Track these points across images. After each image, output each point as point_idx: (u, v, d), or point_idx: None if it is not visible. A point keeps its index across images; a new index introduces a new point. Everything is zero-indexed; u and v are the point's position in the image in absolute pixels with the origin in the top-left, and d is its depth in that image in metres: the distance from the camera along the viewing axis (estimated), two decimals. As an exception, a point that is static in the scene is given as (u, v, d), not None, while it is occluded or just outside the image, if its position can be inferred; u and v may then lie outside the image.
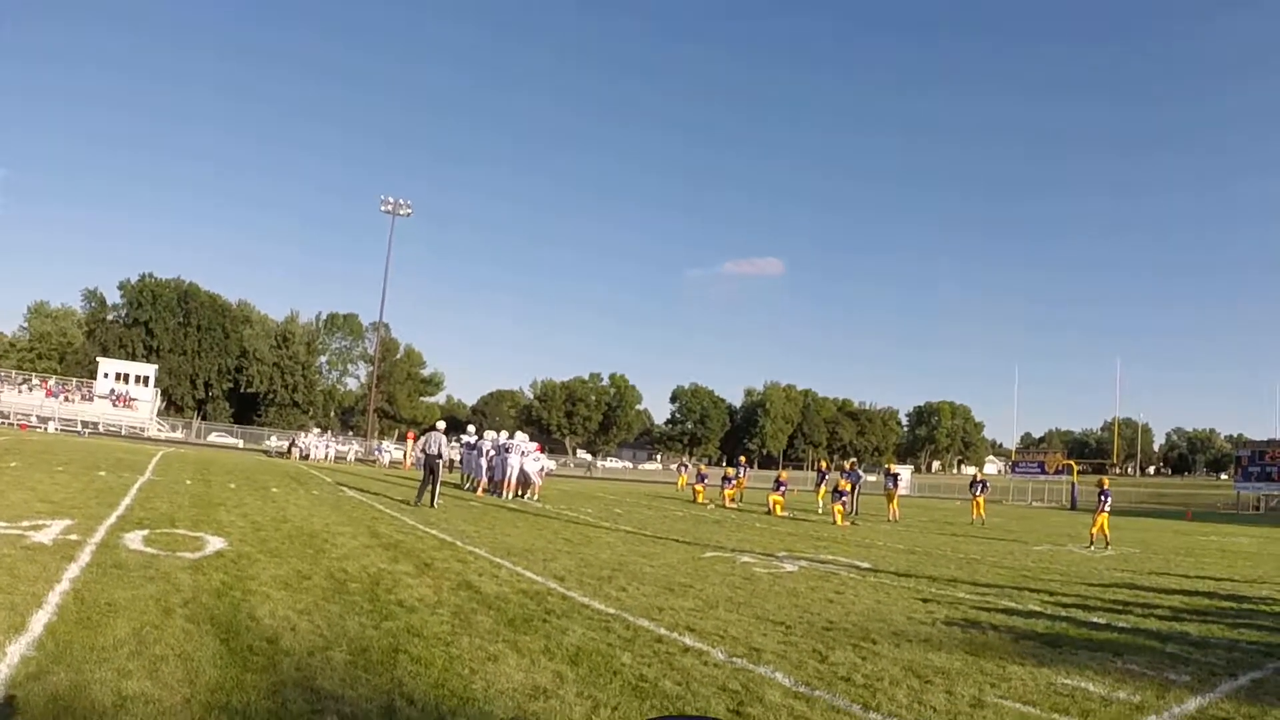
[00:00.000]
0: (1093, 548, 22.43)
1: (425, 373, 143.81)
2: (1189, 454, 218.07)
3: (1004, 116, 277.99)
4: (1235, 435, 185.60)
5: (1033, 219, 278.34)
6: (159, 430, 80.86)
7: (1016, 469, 69.14)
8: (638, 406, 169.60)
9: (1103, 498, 23.53)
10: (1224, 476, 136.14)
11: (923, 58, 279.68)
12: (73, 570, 9.10)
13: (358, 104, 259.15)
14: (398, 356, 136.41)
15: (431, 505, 22.24)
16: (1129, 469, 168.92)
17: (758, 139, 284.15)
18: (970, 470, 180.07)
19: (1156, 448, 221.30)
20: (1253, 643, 9.84)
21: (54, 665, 5.83)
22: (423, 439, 25.12)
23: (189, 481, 23.27)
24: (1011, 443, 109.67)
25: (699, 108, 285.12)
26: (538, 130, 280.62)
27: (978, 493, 34.85)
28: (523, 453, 30.31)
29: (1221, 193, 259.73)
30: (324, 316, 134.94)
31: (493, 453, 30.73)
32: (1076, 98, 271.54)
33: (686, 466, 60.22)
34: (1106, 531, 23.07)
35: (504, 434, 32.54)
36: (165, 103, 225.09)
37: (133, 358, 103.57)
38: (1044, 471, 65.38)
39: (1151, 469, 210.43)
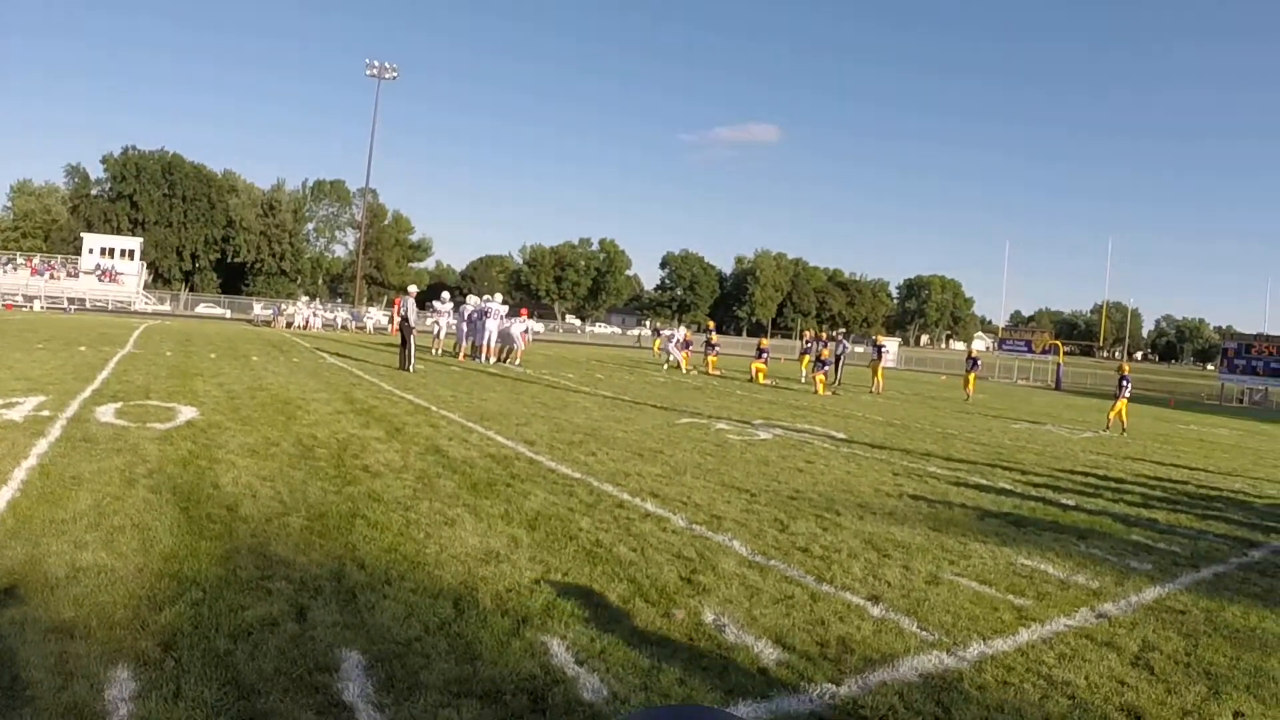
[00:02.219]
0: (1109, 432, 22.52)
1: (414, 238, 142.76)
2: (1177, 342, 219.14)
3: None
4: (1224, 327, 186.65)
5: (1033, 100, 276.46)
6: (146, 303, 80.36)
7: (1004, 346, 68.73)
8: (627, 272, 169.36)
9: (1124, 384, 23.46)
10: (1210, 367, 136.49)
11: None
12: (41, 446, 9.05)
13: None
14: (386, 222, 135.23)
15: (408, 369, 22.41)
16: (1116, 353, 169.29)
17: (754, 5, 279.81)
18: (960, 346, 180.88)
19: (1145, 334, 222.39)
20: (1219, 535, 9.73)
21: (11, 540, 5.81)
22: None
23: (169, 353, 23.19)
24: (1001, 320, 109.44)
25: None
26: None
27: (969, 369, 34.80)
28: (501, 316, 30.23)
29: (1223, 88, 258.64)
30: (310, 184, 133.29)
31: (476, 316, 30.72)
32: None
33: (660, 332, 60.14)
34: (1124, 418, 23.06)
35: (486, 297, 32.47)
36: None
37: (118, 232, 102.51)
38: (1030, 350, 65.06)
39: (1139, 355, 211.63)
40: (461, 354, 30.80)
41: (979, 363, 35.50)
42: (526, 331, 32.22)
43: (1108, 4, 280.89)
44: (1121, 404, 23.06)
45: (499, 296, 31.67)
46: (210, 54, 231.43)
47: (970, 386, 34.34)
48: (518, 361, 30.20)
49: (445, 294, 33.87)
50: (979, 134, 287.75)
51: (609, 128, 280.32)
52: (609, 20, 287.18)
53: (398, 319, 30.77)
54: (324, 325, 60.35)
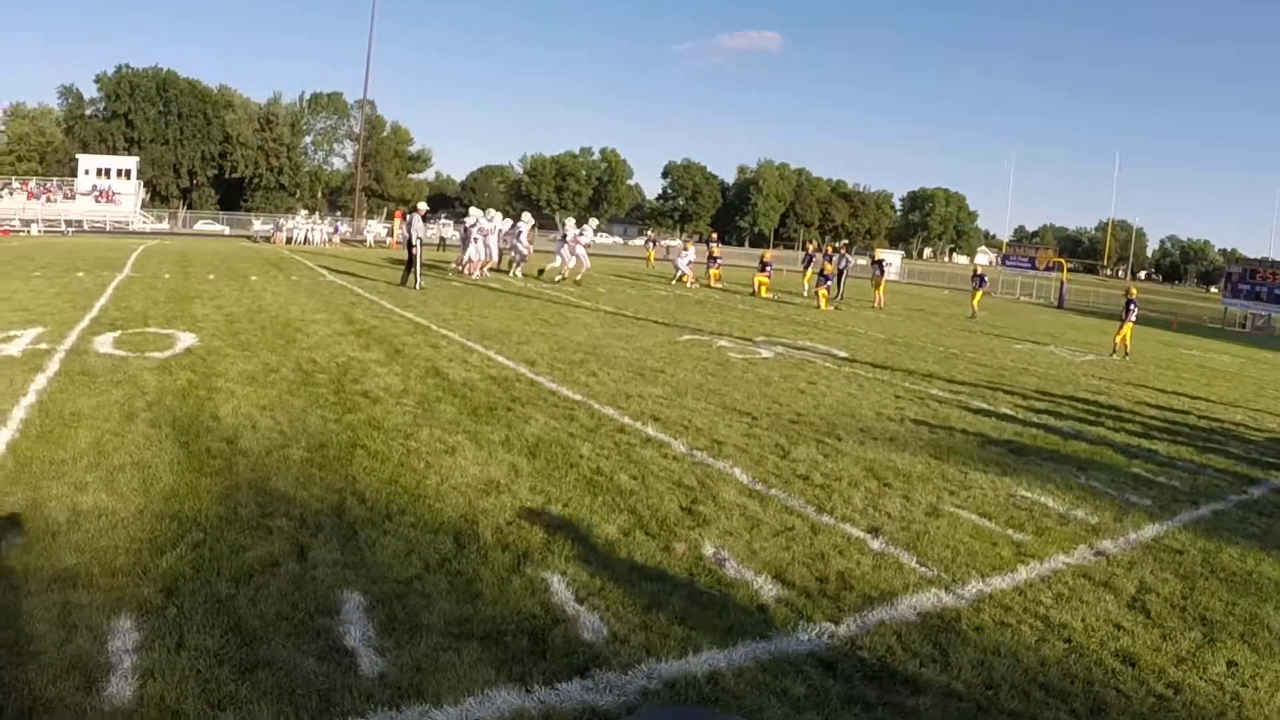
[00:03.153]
0: (1115, 355, 22.36)
1: (413, 150, 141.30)
2: (1181, 263, 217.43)
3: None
4: (1229, 250, 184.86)
5: (1041, 8, 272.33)
6: (144, 223, 79.70)
7: (1007, 262, 68.20)
8: (629, 182, 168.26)
9: (1131, 307, 23.19)
10: (1214, 290, 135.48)
11: None
12: (40, 381, 8.95)
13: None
14: (384, 134, 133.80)
15: (412, 286, 22.41)
16: (1120, 272, 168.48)
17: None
18: (963, 260, 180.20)
19: (1150, 253, 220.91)
20: (1220, 470, 9.62)
21: (12, 485, 5.77)
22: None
23: (167, 276, 22.96)
24: (1005, 235, 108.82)
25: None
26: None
27: (976, 286, 34.51)
28: (484, 230, 29.94)
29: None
30: (308, 96, 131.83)
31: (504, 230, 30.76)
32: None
33: (654, 242, 59.61)
34: (1129, 342, 22.85)
35: (501, 216, 32.34)
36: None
37: (114, 152, 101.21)
38: (1034, 267, 64.52)
39: (1143, 274, 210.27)
40: (467, 269, 30.57)
41: (986, 280, 35.10)
42: (582, 242, 31.44)
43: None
44: (1128, 328, 22.90)
45: (474, 210, 31.27)
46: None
47: (976, 303, 34.11)
48: (579, 277, 29.97)
49: (474, 210, 33.05)
50: (985, 45, 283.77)
51: (609, 35, 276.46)
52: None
53: (400, 234, 30.43)
54: (325, 239, 59.81)
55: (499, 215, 31.90)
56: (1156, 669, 4.62)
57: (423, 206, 26.36)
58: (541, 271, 30.95)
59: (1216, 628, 5.22)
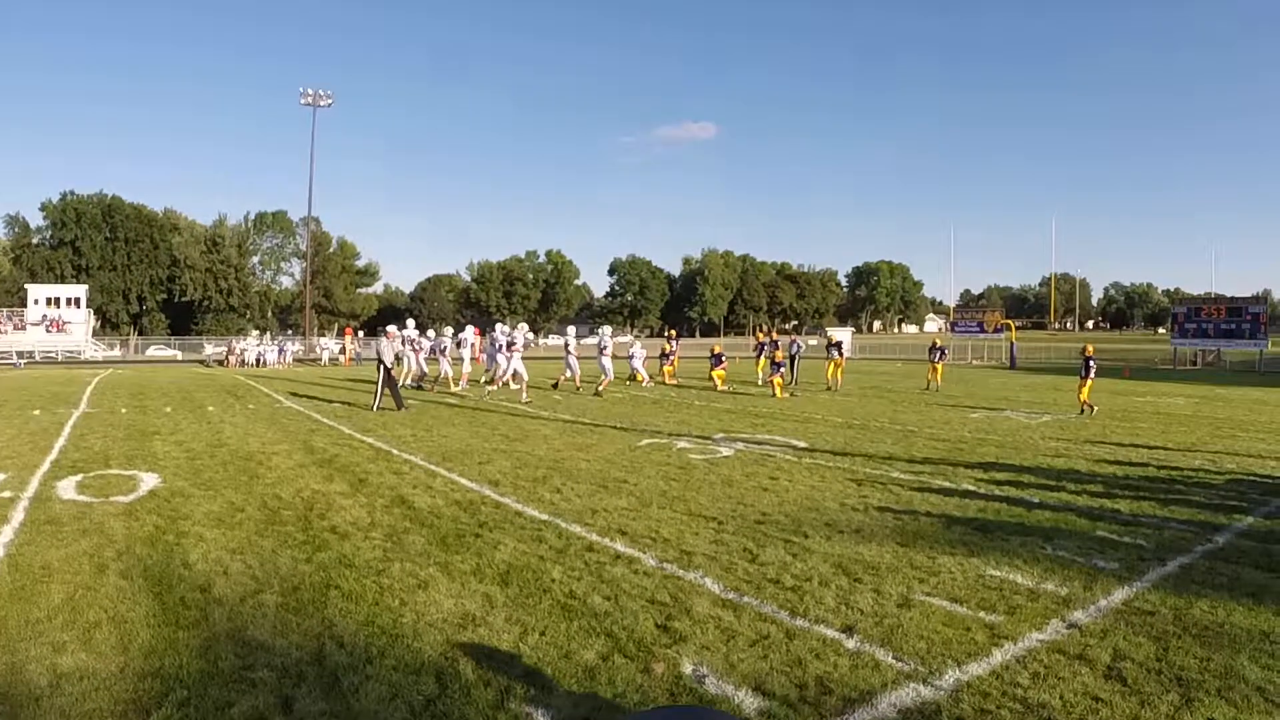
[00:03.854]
0: (1083, 415, 22.69)
1: (360, 264, 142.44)
2: (1127, 308, 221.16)
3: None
4: (1172, 290, 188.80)
5: (966, 75, 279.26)
6: (95, 351, 79.39)
7: (956, 328, 69.11)
8: (576, 281, 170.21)
9: (1089, 365, 23.65)
10: (1161, 330, 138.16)
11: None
12: (6, 534, 8.93)
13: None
14: (331, 250, 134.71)
15: (373, 409, 22.38)
16: (1068, 324, 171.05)
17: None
18: (912, 329, 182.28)
19: (1095, 302, 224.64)
20: (1183, 521, 9.87)
21: (-10, 649, 5.78)
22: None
23: (124, 410, 22.80)
24: (951, 300, 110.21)
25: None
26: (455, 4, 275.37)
27: (935, 359, 34.49)
28: (413, 345, 31.33)
29: (1159, 48, 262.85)
30: (253, 216, 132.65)
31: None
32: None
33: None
34: (1085, 398, 23.22)
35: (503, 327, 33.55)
36: (69, 17, 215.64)
37: (62, 280, 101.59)
38: (983, 330, 65.63)
39: (1090, 324, 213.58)
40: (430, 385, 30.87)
41: (944, 352, 35.19)
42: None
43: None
44: (1089, 385, 23.39)
45: (410, 324, 32.61)
46: (142, 91, 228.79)
47: (938, 377, 34.07)
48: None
49: (449, 329, 33.78)
50: (915, 115, 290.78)
51: (547, 137, 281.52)
52: (537, 26, 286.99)
53: (351, 351, 30.71)
54: (278, 360, 59.46)
55: (505, 326, 33.19)
56: (1136, 740, 4.73)
57: (391, 329, 26.61)
58: (555, 384, 31.01)
59: (1193, 687, 5.34)
